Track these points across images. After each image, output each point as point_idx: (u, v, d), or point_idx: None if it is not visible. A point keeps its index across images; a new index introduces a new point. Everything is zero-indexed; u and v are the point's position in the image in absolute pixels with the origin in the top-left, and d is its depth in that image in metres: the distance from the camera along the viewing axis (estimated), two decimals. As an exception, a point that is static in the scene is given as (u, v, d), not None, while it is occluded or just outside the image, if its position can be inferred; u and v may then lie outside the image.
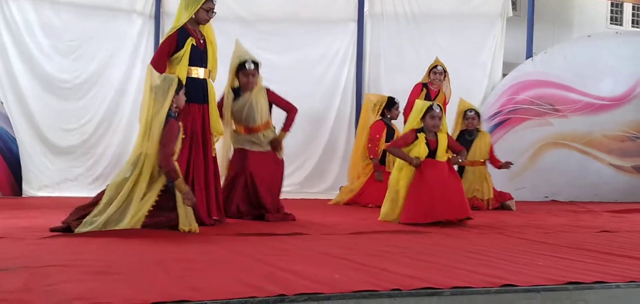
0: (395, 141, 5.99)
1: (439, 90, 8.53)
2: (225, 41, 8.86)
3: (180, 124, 4.93)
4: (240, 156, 6.16)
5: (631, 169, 10.23)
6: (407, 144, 6.01)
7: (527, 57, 10.15)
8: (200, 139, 5.37)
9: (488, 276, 3.28)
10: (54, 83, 8.36)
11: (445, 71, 8.52)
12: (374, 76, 9.71)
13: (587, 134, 9.98)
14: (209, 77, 5.48)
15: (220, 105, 6.03)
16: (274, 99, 6.28)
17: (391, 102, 8.35)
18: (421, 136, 5.98)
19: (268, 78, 9.05)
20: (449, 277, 3.22)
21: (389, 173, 8.10)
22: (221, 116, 5.97)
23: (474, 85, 9.90)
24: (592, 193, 9.84)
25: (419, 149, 5.95)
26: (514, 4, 11.42)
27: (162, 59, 5.27)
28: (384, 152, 8.18)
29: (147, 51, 8.79)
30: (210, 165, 5.48)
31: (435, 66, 8.50)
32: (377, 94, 8.74)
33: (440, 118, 6.03)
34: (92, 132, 8.48)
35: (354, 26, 9.71)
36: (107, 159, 8.47)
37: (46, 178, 8.27)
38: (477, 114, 8.24)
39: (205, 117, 5.43)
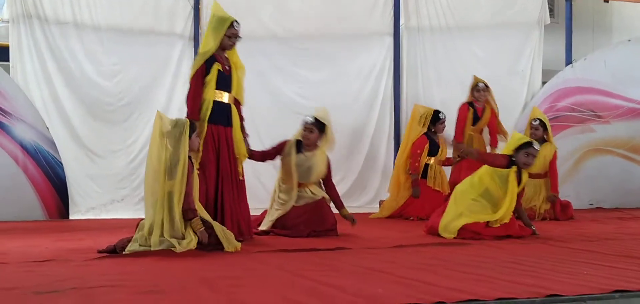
0: (487, 156, 5.80)
1: (484, 106, 8.48)
2: (262, 60, 9.08)
3: (193, 162, 5.02)
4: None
5: (676, 174, 10.04)
6: (501, 166, 5.80)
7: (567, 64, 10.05)
8: (227, 162, 5.45)
9: (532, 286, 3.27)
10: (98, 106, 8.52)
11: (487, 86, 8.48)
12: (412, 89, 9.69)
13: (630, 139, 9.84)
14: (233, 103, 5.57)
15: (279, 149, 6.23)
16: (328, 173, 6.36)
17: (436, 116, 8.30)
18: (514, 169, 5.76)
19: (306, 94, 9.20)
20: (493, 288, 3.21)
21: (431, 188, 8.12)
22: (282, 161, 6.24)
23: (514, 94, 9.83)
24: (637, 199, 9.68)
25: (510, 182, 5.74)
26: (551, 11, 11.30)
27: (199, 90, 5.37)
28: (426, 166, 8.17)
29: (188, 72, 8.88)
30: (241, 186, 5.62)
31: (476, 84, 8.45)
32: (424, 106, 8.69)
33: (535, 157, 5.82)
34: (137, 153, 8.60)
35: (390, 40, 9.71)
36: (152, 179, 8.59)
37: (93, 200, 8.41)
38: (543, 123, 8.11)
39: (229, 141, 5.52)
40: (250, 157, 6.02)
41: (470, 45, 9.86)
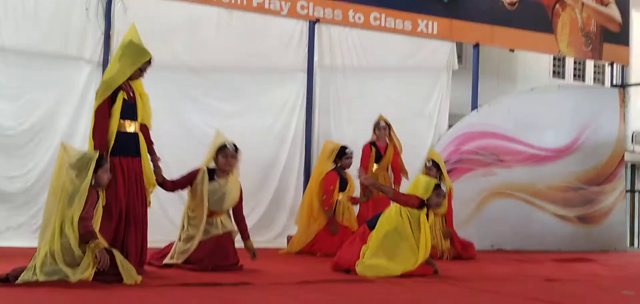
0: (400, 195, 6.02)
1: (387, 145, 8.69)
2: (173, 90, 8.93)
3: (99, 192, 4.88)
4: None
5: (574, 219, 10.46)
6: (414, 206, 5.90)
7: (472, 109, 10.34)
8: (135, 193, 5.33)
9: (432, 325, 3.30)
10: (-3, 130, 8.20)
11: (388, 125, 8.68)
12: (323, 126, 9.73)
13: (531, 184, 10.18)
14: (139, 130, 5.46)
15: (190, 178, 6.08)
16: (240, 200, 6.31)
17: (342, 151, 8.40)
18: (425, 210, 5.90)
19: (216, 126, 9.05)
20: (394, 327, 3.23)
21: (340, 223, 8.13)
22: (192, 190, 6.10)
23: (421, 135, 10.02)
24: (537, 242, 10.00)
25: (422, 224, 5.86)
26: (459, 57, 11.63)
27: (105, 121, 5.22)
28: (336, 202, 8.22)
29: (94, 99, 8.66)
30: (145, 216, 5.49)
31: (378, 122, 8.68)
32: (334, 142, 8.79)
33: (444, 197, 6.03)
34: (36, 180, 8.27)
35: (303, 76, 9.74)
36: (51, 208, 8.29)
37: (-11, 226, 8.06)
38: (436, 164, 8.32)
39: (138, 171, 5.40)
40: (161, 186, 5.91)
41: (381, 86, 10.00)
